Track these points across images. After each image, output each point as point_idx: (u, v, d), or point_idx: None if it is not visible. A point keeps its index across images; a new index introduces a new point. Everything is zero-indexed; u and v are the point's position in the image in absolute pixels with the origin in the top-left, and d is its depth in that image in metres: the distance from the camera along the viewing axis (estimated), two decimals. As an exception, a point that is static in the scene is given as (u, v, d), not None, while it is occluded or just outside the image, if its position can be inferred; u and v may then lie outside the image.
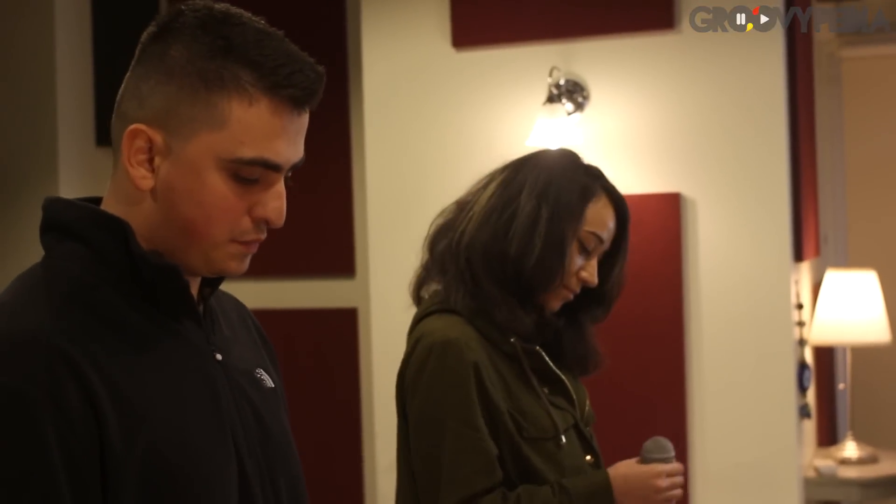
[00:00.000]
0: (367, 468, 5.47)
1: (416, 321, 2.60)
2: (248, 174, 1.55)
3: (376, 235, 4.92)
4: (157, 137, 1.54)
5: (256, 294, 5.59)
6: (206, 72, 1.53)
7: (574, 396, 2.60)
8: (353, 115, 5.49)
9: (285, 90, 1.55)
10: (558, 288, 2.53)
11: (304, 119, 1.61)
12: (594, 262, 2.56)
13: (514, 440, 2.44)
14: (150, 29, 1.58)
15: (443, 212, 2.69)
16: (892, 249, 6.96)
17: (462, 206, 2.62)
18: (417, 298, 2.67)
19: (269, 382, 1.77)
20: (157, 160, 1.55)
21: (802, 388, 4.66)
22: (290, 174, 1.62)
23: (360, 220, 5.45)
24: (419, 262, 2.68)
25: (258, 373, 1.75)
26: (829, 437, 5.64)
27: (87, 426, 1.44)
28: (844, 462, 5.08)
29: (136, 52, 1.60)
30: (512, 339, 2.50)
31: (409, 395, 2.51)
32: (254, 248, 1.62)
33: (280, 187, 1.60)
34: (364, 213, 5.16)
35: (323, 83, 1.60)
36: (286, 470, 1.71)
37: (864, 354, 5.85)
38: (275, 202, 1.60)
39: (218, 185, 1.55)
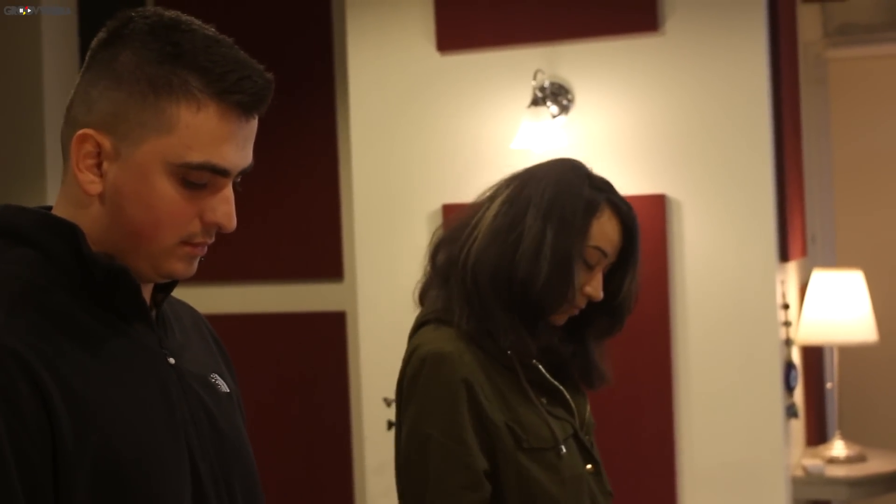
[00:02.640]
0: (356, 470, 5.49)
1: (415, 328, 2.58)
2: (196, 179, 1.57)
3: (363, 238, 4.93)
4: (106, 142, 1.56)
5: (244, 298, 5.59)
6: (155, 77, 1.55)
7: (573, 406, 2.58)
8: (339, 119, 5.50)
9: (233, 96, 1.56)
10: (566, 306, 2.54)
11: (253, 125, 1.62)
12: (599, 277, 2.53)
13: (511, 453, 2.42)
14: (101, 35, 1.60)
15: (445, 221, 2.67)
16: (879, 249, 6.98)
17: (466, 219, 2.58)
18: (422, 303, 2.66)
19: (224, 387, 1.77)
20: (105, 165, 1.57)
21: (789, 388, 4.68)
22: (238, 179, 1.63)
23: (347, 224, 5.46)
24: (422, 269, 2.66)
25: (213, 377, 1.76)
26: (817, 436, 5.66)
27: (38, 424, 1.45)
28: (832, 461, 5.09)
29: (87, 57, 1.61)
30: (509, 352, 2.48)
31: (403, 406, 2.50)
32: (202, 251, 1.63)
33: (228, 192, 1.61)
34: (351, 216, 5.17)
35: (272, 90, 1.61)
36: (241, 472, 1.72)
37: (852, 354, 5.87)
38: (224, 207, 1.61)
39: (166, 190, 1.56)
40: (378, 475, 4.85)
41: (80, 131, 1.56)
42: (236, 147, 1.59)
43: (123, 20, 1.59)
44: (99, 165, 1.57)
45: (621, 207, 2.54)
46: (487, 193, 2.60)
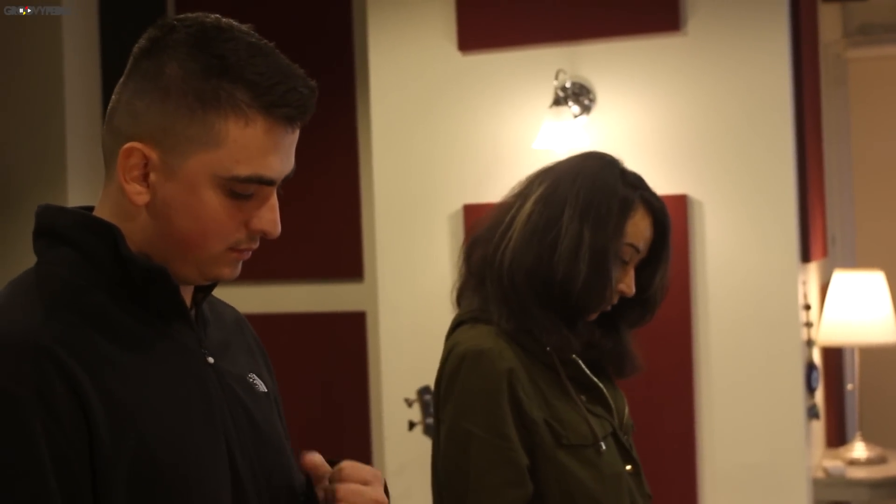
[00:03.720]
0: (376, 471, 5.48)
1: (452, 328, 2.58)
2: (243, 190, 1.58)
3: (384, 239, 4.93)
4: (153, 155, 1.57)
5: (265, 298, 5.60)
6: (203, 92, 1.55)
7: (612, 404, 2.58)
8: (360, 119, 5.50)
9: (280, 109, 1.57)
10: (603, 304, 2.53)
11: (297, 133, 1.63)
12: (631, 273, 2.54)
13: (551, 449, 2.41)
14: (143, 43, 1.60)
15: (477, 221, 2.66)
16: (900, 250, 6.96)
17: (498, 218, 2.57)
18: (459, 305, 2.65)
19: (262, 387, 1.78)
20: (152, 176, 1.58)
21: (811, 389, 4.67)
22: (280, 185, 1.64)
23: (367, 224, 5.46)
24: (443, 269, 2.65)
25: (251, 377, 1.76)
26: (837, 437, 5.64)
27: (75, 425, 1.46)
28: (853, 463, 5.08)
29: (128, 64, 1.61)
30: (548, 349, 2.48)
31: (442, 403, 2.49)
32: (247, 255, 1.66)
33: (273, 200, 1.64)
34: (372, 216, 5.17)
35: (315, 97, 1.62)
36: (281, 471, 1.72)
37: (873, 355, 5.86)
38: (269, 214, 1.63)
39: (214, 201, 1.58)
40: (398, 476, 4.84)
41: (128, 145, 1.57)
42: (282, 157, 1.61)
43: (165, 29, 1.59)
44: (146, 176, 1.58)
45: (654, 204, 2.55)
46: (517, 190, 2.59)
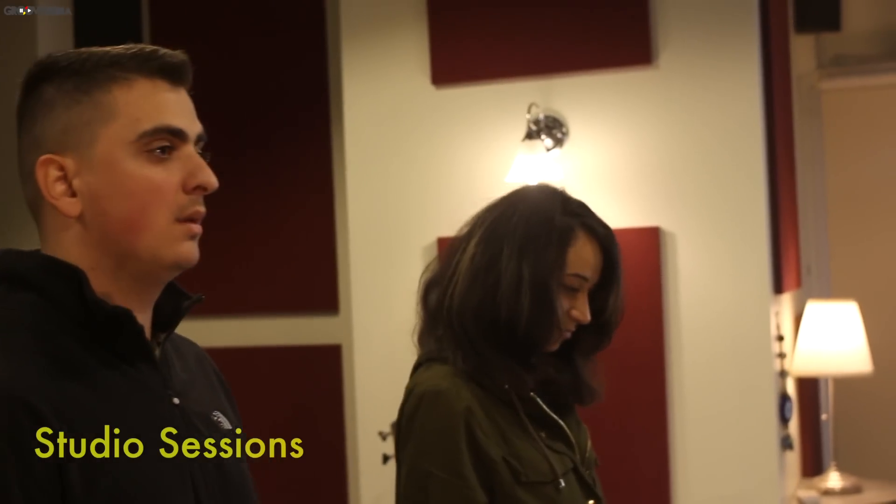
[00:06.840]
0: (352, 504, 5.48)
1: (413, 370, 2.58)
2: (157, 145, 1.62)
3: (359, 272, 4.94)
4: (66, 160, 1.61)
5: (240, 331, 5.59)
6: (80, 83, 1.62)
7: (573, 440, 2.57)
8: (334, 152, 5.51)
9: (154, 62, 1.64)
10: (556, 335, 2.53)
11: (185, 96, 1.69)
12: (583, 300, 2.51)
13: (509, 487, 2.41)
14: (18, 100, 1.66)
15: (429, 265, 2.67)
16: (874, 280, 6.98)
17: (447, 260, 2.57)
18: (420, 346, 2.65)
19: (227, 424, 1.78)
20: (75, 182, 1.61)
21: (784, 420, 4.68)
22: (200, 149, 1.68)
23: (342, 257, 5.46)
24: (415, 314, 2.65)
25: (215, 415, 1.77)
26: (812, 467, 5.65)
27: (48, 473, 1.46)
28: (828, 493, 5.09)
29: (18, 123, 1.66)
30: (506, 386, 2.47)
31: (402, 444, 2.49)
32: (197, 227, 1.66)
33: (198, 159, 1.66)
34: (347, 249, 5.18)
35: (187, 60, 1.69)
36: None
37: (847, 385, 5.87)
38: (201, 171, 1.65)
39: (138, 171, 1.61)
40: (374, 508, 4.84)
41: (42, 157, 1.61)
42: (178, 112, 1.65)
43: (27, 77, 1.65)
44: (70, 187, 1.61)
45: (597, 230, 2.52)
46: (464, 230, 2.59)
